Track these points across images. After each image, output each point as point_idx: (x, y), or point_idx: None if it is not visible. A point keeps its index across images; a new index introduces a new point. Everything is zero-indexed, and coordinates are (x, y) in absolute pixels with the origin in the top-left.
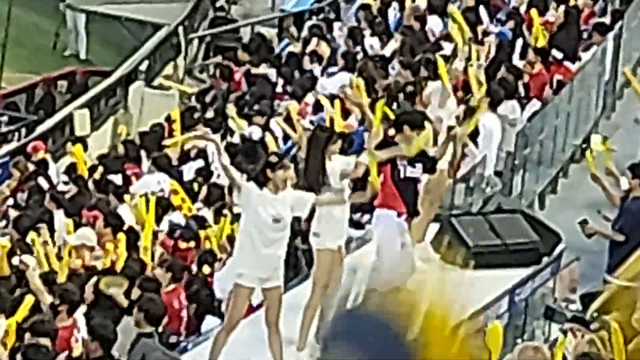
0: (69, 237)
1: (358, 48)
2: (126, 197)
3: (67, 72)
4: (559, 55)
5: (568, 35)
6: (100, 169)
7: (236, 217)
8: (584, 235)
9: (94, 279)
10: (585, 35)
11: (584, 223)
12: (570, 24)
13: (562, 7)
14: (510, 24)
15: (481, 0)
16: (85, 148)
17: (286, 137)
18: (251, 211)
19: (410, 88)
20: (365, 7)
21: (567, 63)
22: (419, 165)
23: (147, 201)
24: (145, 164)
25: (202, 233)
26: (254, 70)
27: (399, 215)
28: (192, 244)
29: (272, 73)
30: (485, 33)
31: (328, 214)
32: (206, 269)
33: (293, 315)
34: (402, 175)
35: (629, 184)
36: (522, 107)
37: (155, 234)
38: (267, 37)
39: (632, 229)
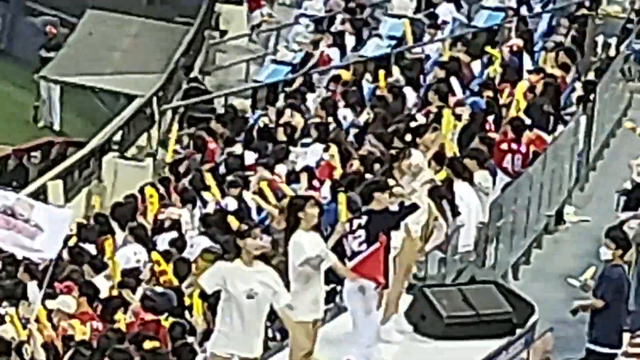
0: (48, 302)
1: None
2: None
3: (41, 142)
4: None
5: (541, 106)
6: (74, 239)
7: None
8: (573, 315)
9: (71, 351)
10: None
11: (575, 312)
12: (543, 95)
13: (537, 78)
14: (484, 93)
15: (452, 71)
16: None
17: (260, 208)
18: (227, 286)
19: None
20: (338, 78)
21: (541, 134)
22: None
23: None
24: (119, 235)
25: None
26: (227, 141)
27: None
28: (162, 316)
29: (245, 144)
30: (459, 103)
31: (304, 284)
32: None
33: None
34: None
35: (611, 254)
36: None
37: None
38: (240, 108)
39: (613, 296)
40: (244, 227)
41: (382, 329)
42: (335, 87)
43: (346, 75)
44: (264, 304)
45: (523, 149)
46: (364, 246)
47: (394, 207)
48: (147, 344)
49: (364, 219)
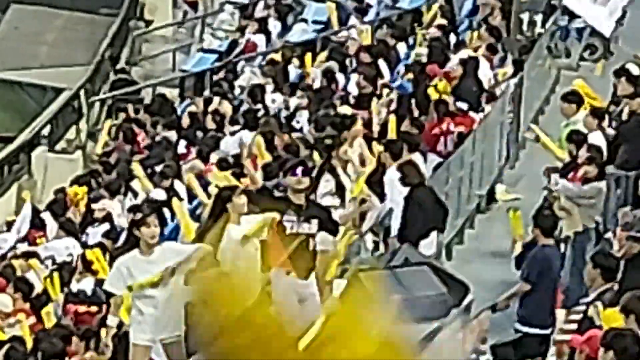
0: None
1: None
2: (32, 261)
3: None
4: (464, 106)
5: (468, 86)
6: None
7: None
8: (492, 312)
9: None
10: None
11: (494, 308)
12: (469, 75)
13: (458, 58)
14: (409, 75)
15: (380, 54)
16: None
17: (191, 198)
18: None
19: (328, 141)
20: (269, 62)
21: (470, 113)
22: (314, 221)
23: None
24: (51, 229)
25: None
26: (156, 132)
27: (288, 273)
28: (93, 308)
29: (174, 134)
30: (385, 86)
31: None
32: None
33: None
34: (294, 231)
35: (532, 233)
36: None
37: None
38: (168, 98)
39: (539, 276)
40: (138, 216)
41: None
42: (272, 70)
43: (277, 57)
44: (168, 286)
45: (452, 127)
46: None
47: None
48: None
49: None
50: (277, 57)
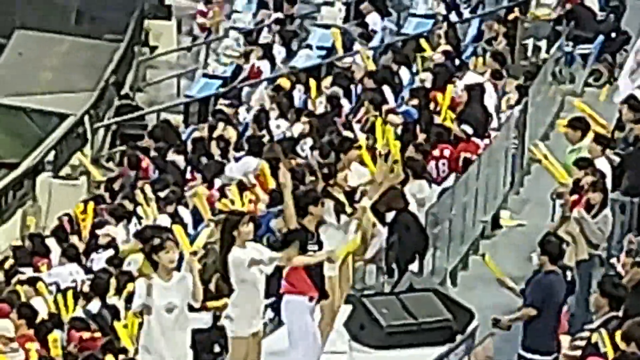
0: None
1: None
2: (39, 285)
3: None
4: (469, 130)
5: (473, 112)
6: (10, 261)
7: None
8: (502, 330)
9: None
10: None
11: (496, 322)
12: (474, 101)
13: (462, 85)
14: (414, 102)
15: (384, 80)
16: None
17: (196, 223)
18: (150, 301)
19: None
20: (275, 88)
21: (475, 139)
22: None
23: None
24: (55, 255)
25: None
26: (160, 158)
27: (311, 299)
28: (97, 334)
29: (179, 159)
30: (392, 111)
31: (244, 297)
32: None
33: None
34: None
35: (538, 259)
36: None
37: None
38: (173, 124)
39: (543, 303)
40: (157, 241)
41: (329, 340)
42: (276, 96)
43: (285, 83)
44: (182, 316)
45: (447, 153)
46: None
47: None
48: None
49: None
50: (282, 82)
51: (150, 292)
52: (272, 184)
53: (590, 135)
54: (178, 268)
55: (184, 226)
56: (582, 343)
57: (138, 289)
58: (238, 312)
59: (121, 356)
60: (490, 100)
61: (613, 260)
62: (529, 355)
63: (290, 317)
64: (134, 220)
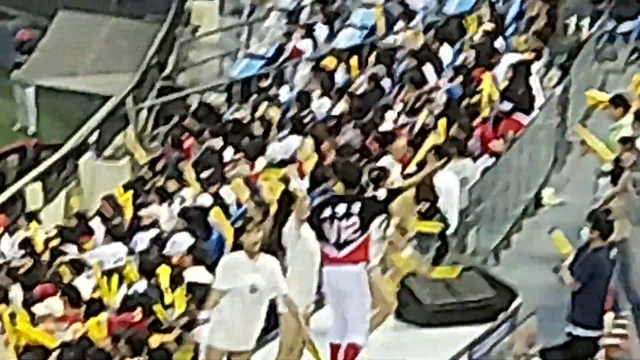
0: (35, 308)
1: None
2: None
3: (16, 147)
4: (507, 107)
5: (519, 89)
6: (56, 240)
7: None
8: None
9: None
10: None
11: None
12: (519, 79)
13: (508, 62)
14: (459, 79)
15: (426, 58)
16: (39, 222)
17: (239, 204)
18: (230, 279)
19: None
20: (317, 68)
21: (520, 116)
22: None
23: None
24: (98, 235)
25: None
26: (203, 138)
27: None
28: (139, 315)
29: (217, 141)
30: (434, 89)
31: (297, 274)
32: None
33: None
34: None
35: (589, 235)
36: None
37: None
38: (215, 104)
39: (591, 279)
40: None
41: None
42: (320, 75)
43: (330, 62)
44: (265, 297)
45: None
46: (358, 233)
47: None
48: (154, 340)
49: (356, 207)
50: (327, 62)
51: (236, 271)
52: (314, 161)
53: (632, 113)
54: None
55: (225, 207)
56: (625, 321)
57: (227, 266)
58: (294, 288)
59: (167, 336)
60: (535, 78)
61: None
62: (576, 331)
63: (350, 288)
64: (177, 200)
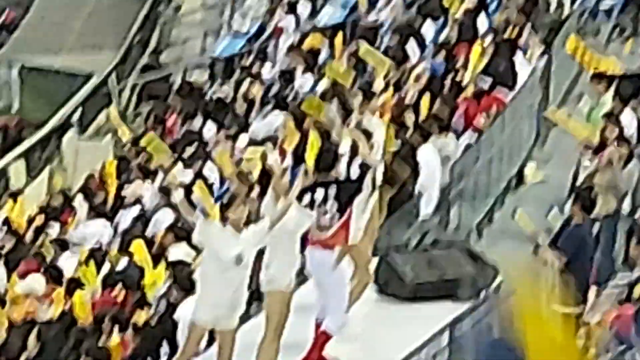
0: (17, 286)
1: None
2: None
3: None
4: (486, 84)
5: (501, 66)
6: (40, 218)
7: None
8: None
9: (36, 329)
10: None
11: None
12: (501, 55)
13: (489, 39)
14: (441, 55)
15: (409, 33)
16: (22, 200)
17: (223, 181)
18: (212, 249)
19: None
20: (301, 44)
21: (502, 91)
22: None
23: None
24: (82, 213)
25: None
26: (186, 115)
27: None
28: (122, 293)
29: (203, 118)
30: (415, 66)
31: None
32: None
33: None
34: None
35: (571, 210)
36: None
37: None
38: (198, 82)
39: (574, 255)
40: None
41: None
42: (302, 53)
43: (316, 40)
44: (248, 271)
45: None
46: (337, 217)
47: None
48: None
49: (332, 190)
50: (312, 39)
51: (219, 241)
52: (296, 139)
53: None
54: None
55: (209, 185)
56: (615, 291)
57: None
58: (274, 266)
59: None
60: (518, 54)
61: (637, 215)
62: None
63: (325, 272)
64: (160, 176)
